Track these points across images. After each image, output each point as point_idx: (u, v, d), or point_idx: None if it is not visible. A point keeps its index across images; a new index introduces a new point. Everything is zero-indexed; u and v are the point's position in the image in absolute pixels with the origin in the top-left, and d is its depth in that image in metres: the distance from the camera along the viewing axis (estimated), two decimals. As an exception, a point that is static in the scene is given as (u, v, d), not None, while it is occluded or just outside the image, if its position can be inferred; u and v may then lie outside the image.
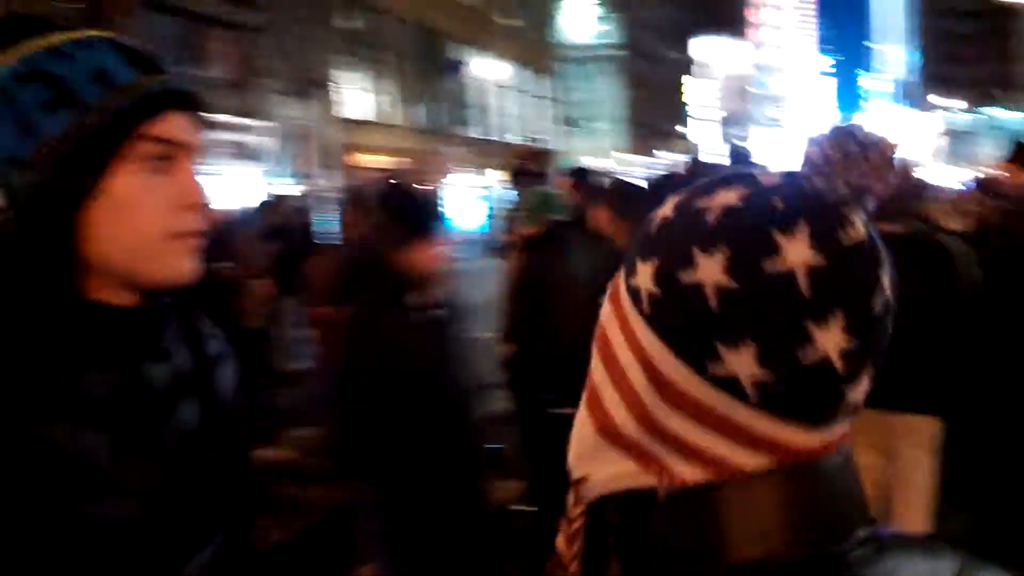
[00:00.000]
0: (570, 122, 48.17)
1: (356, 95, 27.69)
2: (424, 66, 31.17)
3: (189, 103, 1.04)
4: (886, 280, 0.69)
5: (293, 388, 8.11)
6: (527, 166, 9.42)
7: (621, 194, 4.57)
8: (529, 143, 9.99)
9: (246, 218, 7.90)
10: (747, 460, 0.69)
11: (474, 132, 33.36)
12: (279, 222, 9.04)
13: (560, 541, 0.84)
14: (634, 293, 0.72)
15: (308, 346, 7.50)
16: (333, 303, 3.10)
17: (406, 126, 30.33)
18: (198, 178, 1.03)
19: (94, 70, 0.96)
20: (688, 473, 0.70)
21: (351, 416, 2.92)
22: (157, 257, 0.99)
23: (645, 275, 0.71)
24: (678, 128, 55.96)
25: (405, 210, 2.95)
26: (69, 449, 0.92)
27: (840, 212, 0.69)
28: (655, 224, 0.73)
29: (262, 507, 1.27)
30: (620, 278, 0.75)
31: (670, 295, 0.69)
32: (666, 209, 0.73)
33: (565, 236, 4.09)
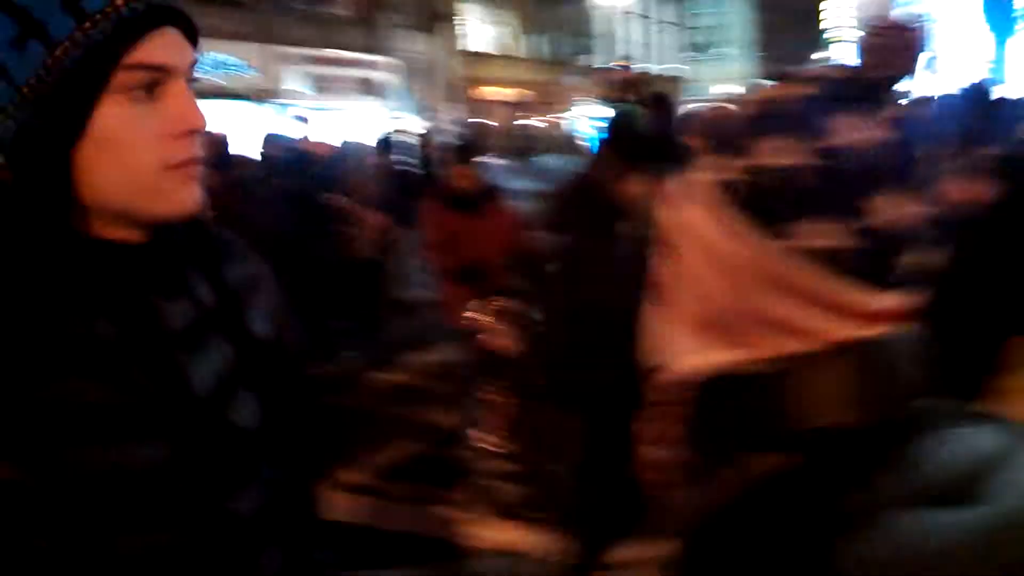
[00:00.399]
0: (698, 48, 46.83)
1: (477, 27, 27.63)
2: (546, -5, 30.79)
3: (173, 19, 0.94)
4: (930, 151, 0.79)
5: (408, 316, 8.41)
6: (623, 94, 9.25)
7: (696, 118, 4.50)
8: (627, 67, 9.63)
9: (362, 151, 8.07)
10: (832, 330, 0.78)
11: (598, 61, 32.89)
12: (397, 155, 9.21)
13: (649, 428, 0.94)
14: (721, 188, 0.81)
15: (422, 276, 7.72)
16: (548, 231, 3.11)
17: (528, 57, 30.13)
18: (191, 101, 0.95)
19: None
20: (779, 348, 0.80)
21: (585, 343, 2.91)
22: (155, 191, 0.93)
23: (731, 170, 0.81)
24: (816, 53, 53.63)
25: (627, 141, 2.95)
26: (87, 399, 0.89)
27: (884, 94, 0.78)
28: (727, 126, 0.82)
29: (326, 433, 1.23)
30: (695, 181, 0.84)
31: (758, 182, 0.79)
32: (737, 111, 0.83)
33: None
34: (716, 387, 0.78)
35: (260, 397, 1.05)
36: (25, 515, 0.86)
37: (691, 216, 0.76)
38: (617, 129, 3.03)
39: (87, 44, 0.87)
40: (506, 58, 29.05)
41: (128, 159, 0.91)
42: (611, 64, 10.82)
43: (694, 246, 0.77)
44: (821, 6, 50.31)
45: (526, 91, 29.37)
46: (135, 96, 0.90)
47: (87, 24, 0.87)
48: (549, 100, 30.10)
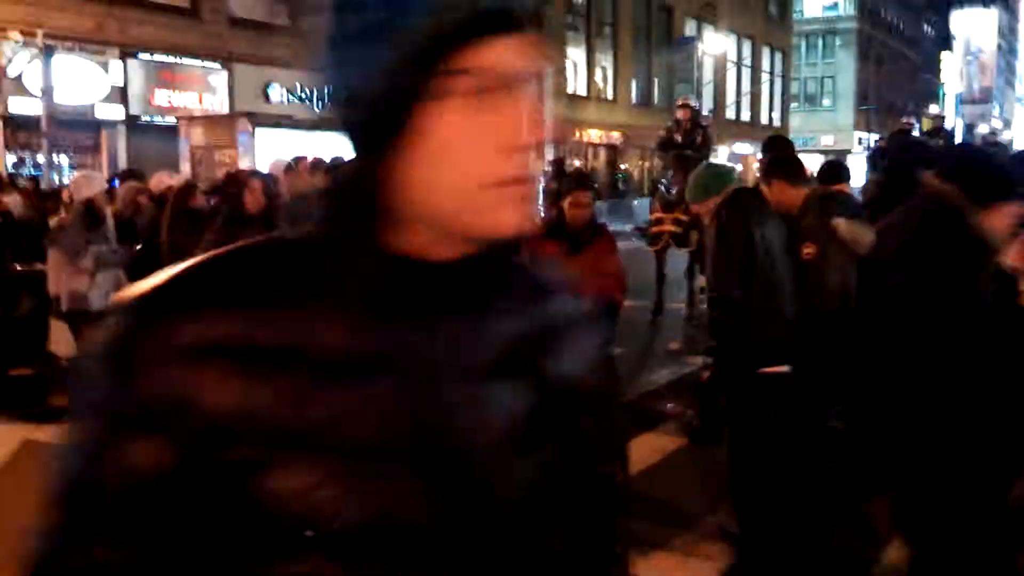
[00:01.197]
0: (804, 99, 46.42)
1: (576, 69, 28.01)
2: (648, 39, 31.07)
3: (521, 23, 0.86)
4: None
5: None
6: (673, 137, 9.42)
7: (793, 164, 4.78)
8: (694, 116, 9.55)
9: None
10: None
11: (704, 109, 32.96)
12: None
13: None
14: None
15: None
16: (901, 270, 2.90)
17: (625, 101, 30.40)
18: (533, 112, 0.86)
19: None
20: None
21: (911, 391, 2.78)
22: (478, 207, 0.85)
23: None
24: (928, 107, 52.39)
25: (985, 170, 2.84)
26: (356, 434, 0.82)
27: None
28: None
29: (615, 507, 1.10)
30: None
31: None
32: None
33: (751, 203, 4.19)
34: None
35: (548, 453, 0.93)
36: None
37: None
38: (969, 165, 2.92)
39: (416, 43, 0.82)
40: (606, 102, 29.38)
41: (455, 169, 0.84)
42: (676, 104, 10.94)
43: None
44: (929, 60, 48.96)
45: (621, 133, 29.62)
46: (472, 102, 0.84)
47: (420, 22, 0.82)
48: (647, 144, 30.32)
